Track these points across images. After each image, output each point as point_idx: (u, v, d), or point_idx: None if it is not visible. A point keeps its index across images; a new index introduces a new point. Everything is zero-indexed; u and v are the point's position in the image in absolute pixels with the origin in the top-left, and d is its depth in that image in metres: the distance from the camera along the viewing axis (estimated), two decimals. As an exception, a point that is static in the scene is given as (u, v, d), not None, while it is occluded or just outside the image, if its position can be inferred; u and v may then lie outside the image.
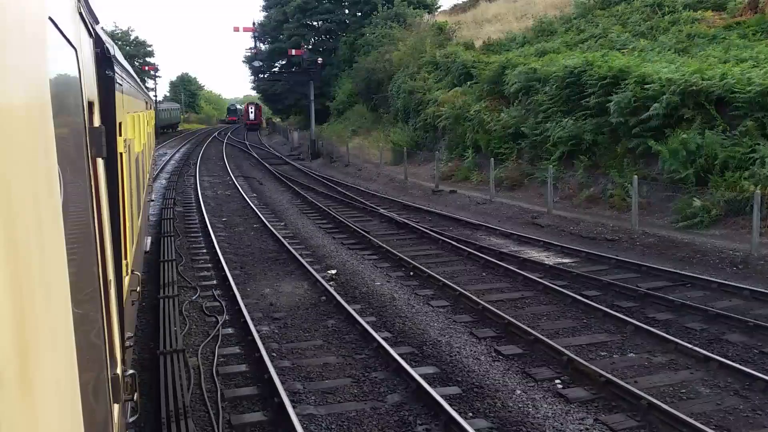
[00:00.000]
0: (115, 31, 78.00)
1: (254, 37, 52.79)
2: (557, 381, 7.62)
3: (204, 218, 18.19)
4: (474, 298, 10.32)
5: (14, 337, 1.00)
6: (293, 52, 46.01)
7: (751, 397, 7.05)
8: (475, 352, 8.55)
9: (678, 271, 11.62)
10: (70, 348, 1.50)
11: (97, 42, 3.45)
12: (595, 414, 6.81)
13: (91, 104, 2.68)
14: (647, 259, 12.82)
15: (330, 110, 50.99)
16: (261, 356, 8.02)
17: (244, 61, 69.69)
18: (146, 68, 72.03)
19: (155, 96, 67.19)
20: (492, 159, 21.62)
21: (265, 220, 17.96)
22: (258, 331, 9.01)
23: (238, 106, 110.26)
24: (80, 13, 2.51)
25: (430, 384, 7.31)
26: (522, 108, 23.14)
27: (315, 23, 57.22)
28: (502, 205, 19.44)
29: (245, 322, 9.39)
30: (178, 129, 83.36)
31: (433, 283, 11.56)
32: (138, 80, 10.94)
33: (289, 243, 14.95)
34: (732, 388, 7.30)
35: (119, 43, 70.59)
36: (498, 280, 11.88)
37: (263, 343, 8.49)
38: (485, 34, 36.24)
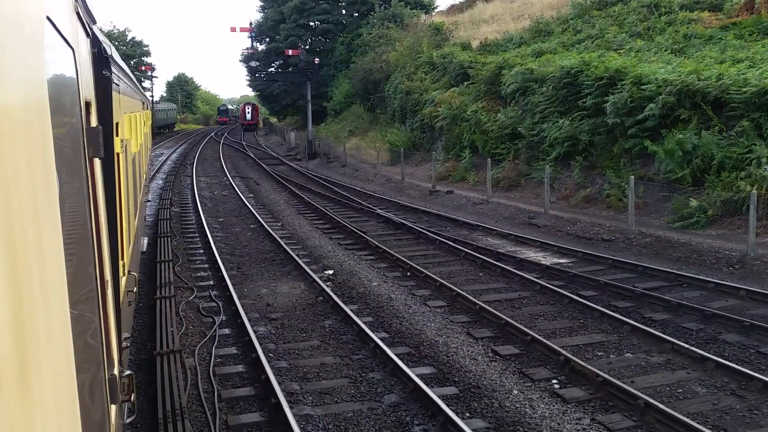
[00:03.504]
0: (113, 31, 77.82)
1: (251, 37, 52.67)
2: (554, 381, 7.63)
3: (201, 219, 18.16)
4: (471, 298, 10.33)
5: (12, 337, 1.00)
6: (290, 52, 45.97)
7: (747, 397, 7.07)
8: (472, 352, 8.55)
9: (674, 271, 11.65)
10: (68, 349, 1.50)
11: (94, 42, 3.44)
12: (592, 414, 6.82)
13: (88, 104, 2.68)
14: (644, 259, 12.84)
15: (327, 111, 50.97)
16: (258, 357, 8.01)
17: (241, 61, 69.74)
18: (143, 68, 71.94)
19: (152, 96, 67.09)
20: (489, 159, 21.63)
21: (261, 221, 17.94)
22: (255, 332, 9.00)
23: (230, 107, 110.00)
24: (77, 13, 2.50)
25: (427, 384, 7.30)
26: (519, 108, 23.17)
27: (312, 23, 57.15)
28: (499, 206, 19.45)
29: (242, 322, 9.38)
30: (175, 129, 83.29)
31: (430, 284, 11.56)
32: (135, 80, 10.92)
33: (286, 243, 14.94)
34: (728, 387, 7.32)
35: (116, 43, 70.49)
36: (495, 281, 11.89)
37: (260, 344, 8.48)
38: (482, 34, 36.27)
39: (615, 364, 8.02)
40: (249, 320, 9.47)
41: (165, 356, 7.59)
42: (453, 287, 10.94)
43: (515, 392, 7.34)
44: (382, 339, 8.84)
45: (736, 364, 7.78)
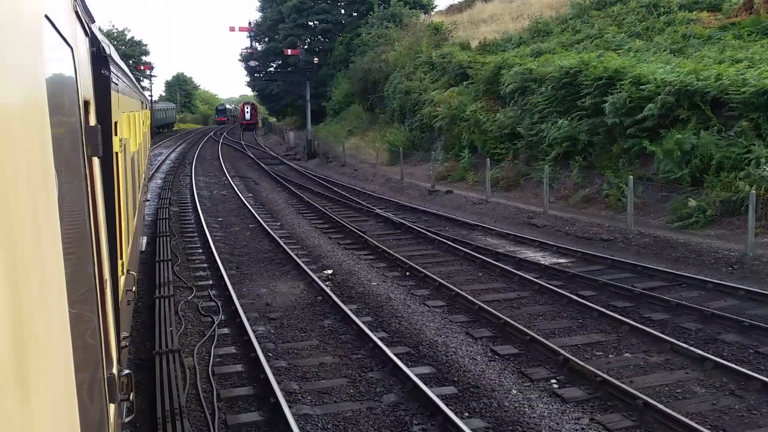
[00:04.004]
0: (112, 30, 77.76)
1: (250, 36, 52.73)
2: (553, 381, 7.63)
3: (200, 218, 18.15)
4: (470, 298, 10.33)
5: (11, 337, 1.00)
6: (289, 51, 45.96)
7: (746, 397, 7.07)
8: (471, 352, 8.55)
9: (673, 271, 11.65)
10: (67, 348, 1.49)
11: (93, 41, 3.44)
12: (590, 414, 6.82)
13: (87, 103, 2.68)
14: (643, 259, 12.85)
15: (326, 110, 50.95)
16: (257, 356, 8.01)
17: (239, 60, 69.77)
18: (142, 68, 71.90)
19: (151, 95, 67.06)
20: (488, 159, 21.62)
21: (261, 220, 17.94)
22: (254, 331, 9.00)
23: (228, 106, 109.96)
24: (76, 12, 2.50)
25: (426, 384, 7.31)
26: (518, 108, 23.16)
27: (311, 23, 57.10)
28: (498, 206, 19.46)
29: (241, 322, 9.38)
30: (174, 129, 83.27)
31: (430, 283, 11.56)
32: (133, 80, 10.91)
33: (285, 243, 14.94)
34: (727, 387, 7.32)
35: (115, 42, 70.44)
36: (494, 281, 11.89)
37: (259, 343, 8.48)
38: (481, 34, 36.27)
39: (614, 364, 8.03)
40: (248, 320, 9.47)
41: (164, 355, 7.58)
42: (452, 287, 10.94)
43: (514, 392, 7.34)
44: (381, 339, 8.83)
45: (735, 364, 7.78)
